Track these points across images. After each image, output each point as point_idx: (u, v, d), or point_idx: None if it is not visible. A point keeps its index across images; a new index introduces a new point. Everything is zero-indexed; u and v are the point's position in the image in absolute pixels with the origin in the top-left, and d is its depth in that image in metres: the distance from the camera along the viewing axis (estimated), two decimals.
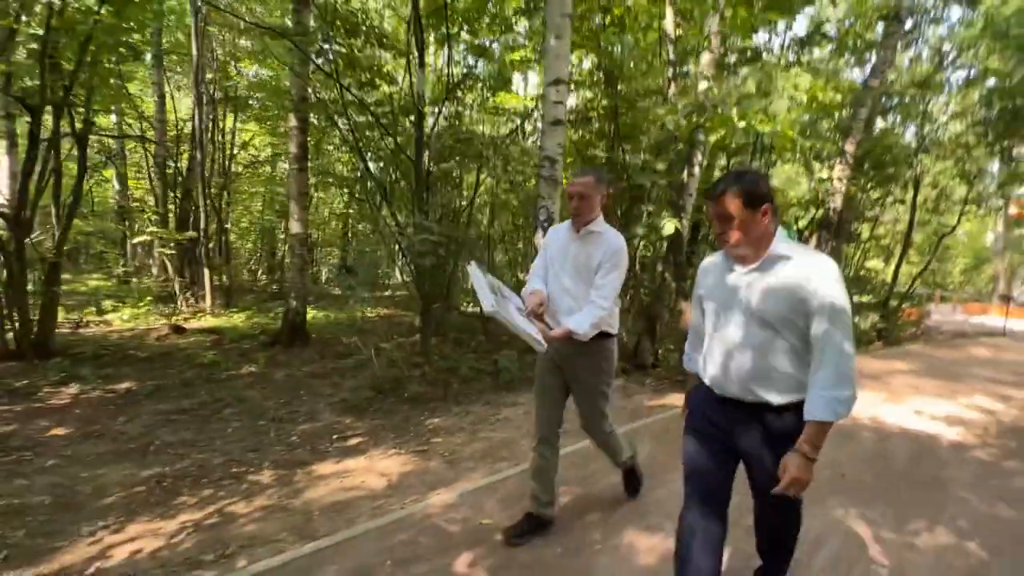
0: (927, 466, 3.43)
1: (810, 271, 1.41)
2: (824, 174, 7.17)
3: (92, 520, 2.57)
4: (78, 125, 5.62)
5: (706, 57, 5.12)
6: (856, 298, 9.56)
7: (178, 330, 7.54)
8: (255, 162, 11.16)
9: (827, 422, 1.37)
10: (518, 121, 9.00)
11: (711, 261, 1.67)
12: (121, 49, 5.42)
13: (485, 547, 2.22)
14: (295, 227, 6.96)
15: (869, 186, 8.80)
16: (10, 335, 5.45)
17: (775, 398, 1.47)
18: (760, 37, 7.17)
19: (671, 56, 5.00)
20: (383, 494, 2.67)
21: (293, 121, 6.58)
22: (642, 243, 6.03)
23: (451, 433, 3.74)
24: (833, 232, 6.89)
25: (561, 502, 2.62)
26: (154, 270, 10.75)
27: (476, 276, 1.96)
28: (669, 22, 4.98)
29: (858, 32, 7.47)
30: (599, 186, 2.16)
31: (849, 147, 6.47)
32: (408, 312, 11.18)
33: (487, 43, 7.64)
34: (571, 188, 2.15)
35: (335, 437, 3.71)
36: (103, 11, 4.84)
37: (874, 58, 7.26)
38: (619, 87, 5.99)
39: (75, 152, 6.07)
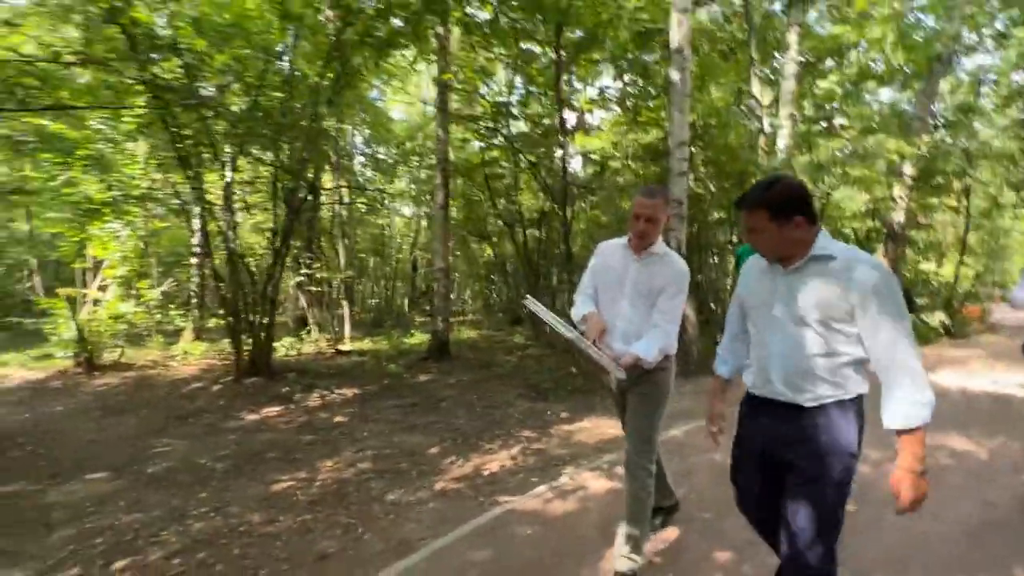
0: (1006, 412, 4.56)
1: (856, 271, 1.35)
2: (883, 192, 8.30)
3: (441, 459, 3.98)
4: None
5: (784, 111, 6.48)
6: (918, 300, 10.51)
7: (340, 352, 9.18)
8: (371, 208, 13.00)
9: (918, 429, 1.32)
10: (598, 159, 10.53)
11: (755, 261, 1.61)
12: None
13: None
14: (439, 263, 8.54)
15: (921, 197, 9.83)
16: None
17: (809, 401, 1.44)
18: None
19: (760, 114, 6.41)
20: None
21: (438, 179, 8.24)
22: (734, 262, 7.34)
23: None
24: (898, 242, 8.01)
25: None
26: (288, 304, 12.58)
27: (536, 308, 2.00)
28: (756, 88, 6.39)
29: (901, 67, 8.68)
30: (666, 208, 2.09)
31: (907, 169, 7.64)
32: (493, 331, 12.67)
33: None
34: (640, 209, 2.03)
35: (548, 413, 5.08)
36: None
37: (917, 88, 8.44)
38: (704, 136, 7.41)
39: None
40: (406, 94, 16.85)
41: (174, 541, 2.72)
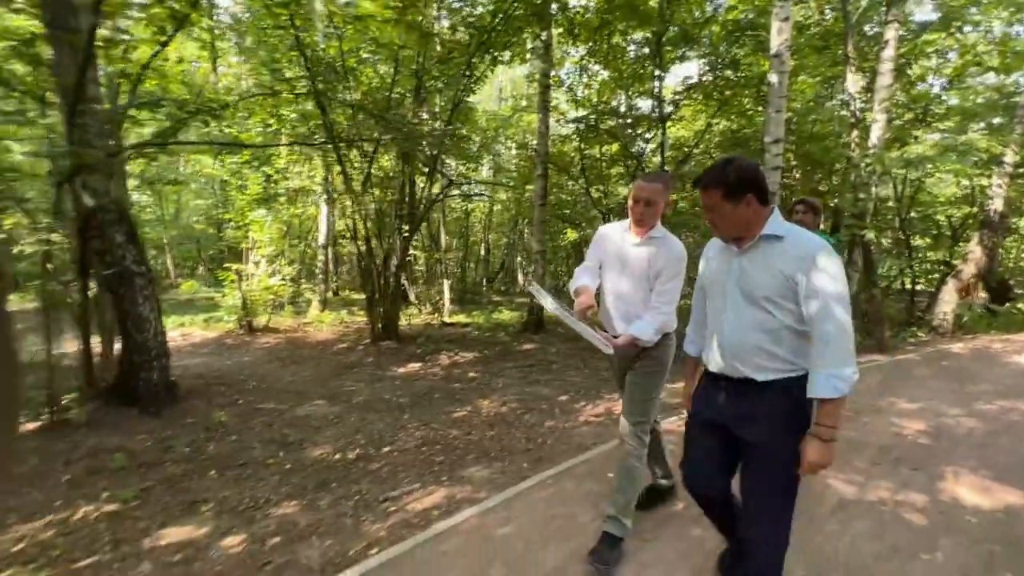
0: None
1: (802, 251, 1.44)
2: (984, 181, 8.30)
3: (572, 404, 4.96)
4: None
5: (879, 106, 6.81)
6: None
7: (445, 324, 10.44)
8: (466, 197, 14.20)
9: (834, 399, 1.39)
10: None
11: (713, 243, 1.70)
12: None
13: None
14: (535, 246, 9.52)
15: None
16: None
17: (760, 375, 1.50)
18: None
19: (854, 108, 6.78)
20: None
21: (539, 170, 9.16)
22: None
23: None
24: (995, 230, 8.06)
25: None
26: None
27: (538, 292, 2.13)
28: (850, 83, 6.75)
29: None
30: (665, 193, 2.12)
31: (1008, 157, 7.66)
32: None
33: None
34: (639, 193, 2.10)
35: None
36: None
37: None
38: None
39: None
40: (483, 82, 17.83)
41: (409, 440, 3.88)
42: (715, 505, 1.73)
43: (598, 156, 9.25)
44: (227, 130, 8.43)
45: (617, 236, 2.24)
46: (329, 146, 7.54)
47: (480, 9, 6.92)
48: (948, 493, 2.71)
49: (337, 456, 3.56)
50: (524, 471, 3.11)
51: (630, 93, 10.39)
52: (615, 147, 9.96)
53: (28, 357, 5.51)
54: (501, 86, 22.32)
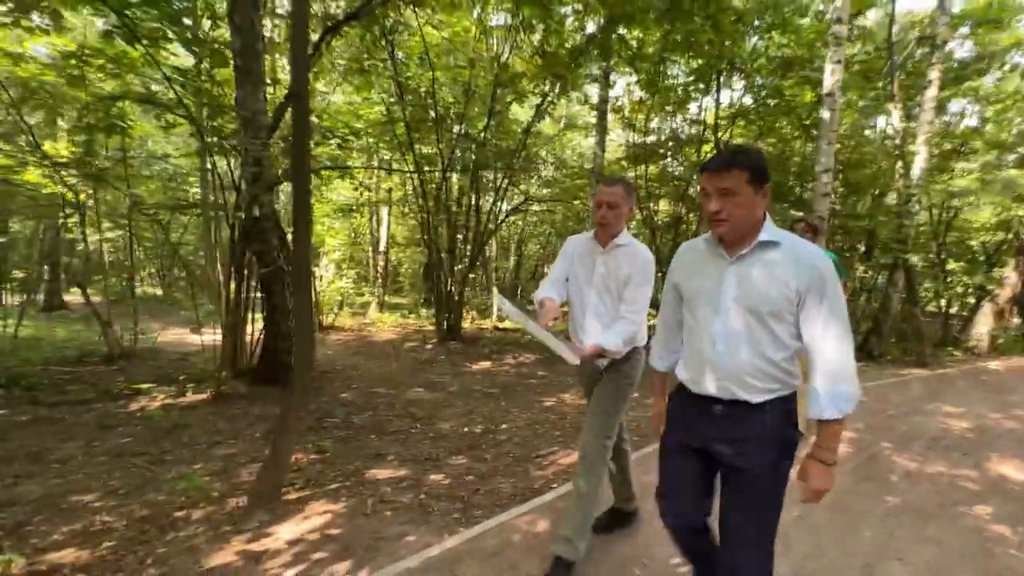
0: None
1: (803, 259, 1.34)
2: (1021, 211, 8.77)
3: (643, 399, 5.61)
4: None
5: (921, 138, 7.40)
6: None
7: (498, 329, 11.17)
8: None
9: (836, 421, 1.32)
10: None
11: (691, 247, 1.56)
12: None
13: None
14: None
15: None
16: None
17: (755, 397, 1.39)
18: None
19: (898, 141, 7.38)
20: None
21: (594, 188, 9.89)
22: (862, 268, 8.33)
23: None
24: None
25: None
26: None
27: (503, 303, 2.05)
28: (895, 118, 7.36)
29: None
30: (629, 198, 2.08)
31: None
32: None
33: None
34: (601, 196, 2.07)
35: None
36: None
37: None
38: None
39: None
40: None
41: (519, 420, 4.58)
42: (693, 536, 1.60)
43: (644, 176, 10.00)
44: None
45: (584, 247, 2.20)
46: (408, 160, 8.41)
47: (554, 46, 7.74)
48: (994, 470, 3.31)
49: (465, 429, 4.28)
50: (636, 443, 3.79)
51: (673, 115, 11.14)
52: (656, 168, 10.68)
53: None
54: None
